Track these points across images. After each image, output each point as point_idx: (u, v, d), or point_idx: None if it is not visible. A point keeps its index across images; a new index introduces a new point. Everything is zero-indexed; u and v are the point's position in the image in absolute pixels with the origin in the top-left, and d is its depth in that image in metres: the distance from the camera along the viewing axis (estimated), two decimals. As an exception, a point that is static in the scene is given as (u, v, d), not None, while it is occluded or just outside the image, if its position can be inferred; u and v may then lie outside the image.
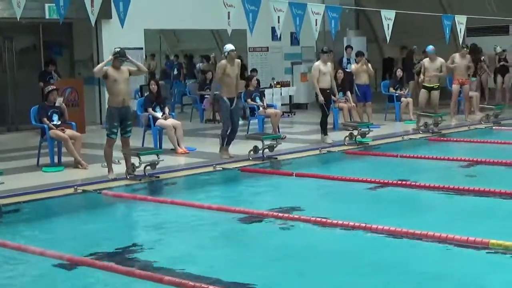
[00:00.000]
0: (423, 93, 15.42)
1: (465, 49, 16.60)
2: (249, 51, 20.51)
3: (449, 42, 16.56)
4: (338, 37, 17.86)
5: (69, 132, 11.98)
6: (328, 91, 13.64)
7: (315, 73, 13.45)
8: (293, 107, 20.27)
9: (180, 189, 10.45)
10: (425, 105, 15.42)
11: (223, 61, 12.16)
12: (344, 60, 18.75)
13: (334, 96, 14.77)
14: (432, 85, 15.34)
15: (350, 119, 15.80)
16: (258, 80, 16.96)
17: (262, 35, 19.15)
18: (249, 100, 15.63)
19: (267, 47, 20.89)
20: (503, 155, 11.90)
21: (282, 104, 19.09)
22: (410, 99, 17.53)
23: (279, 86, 19.20)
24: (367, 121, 15.09)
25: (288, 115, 19.41)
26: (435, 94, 15.32)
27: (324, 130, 13.66)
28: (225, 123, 12.25)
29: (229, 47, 12.19)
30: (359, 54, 16.77)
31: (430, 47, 15.32)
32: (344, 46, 19.77)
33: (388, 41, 15.05)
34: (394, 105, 17.86)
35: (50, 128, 11.90)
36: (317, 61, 14.12)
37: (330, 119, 14.51)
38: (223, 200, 9.37)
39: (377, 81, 22.59)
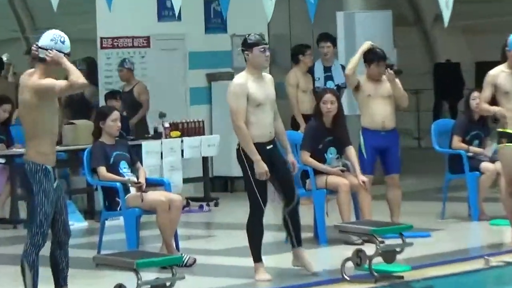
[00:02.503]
0: (509, 154, 13.74)
1: None
2: (101, 47, 17.77)
3: None
4: (324, 14, 16.03)
5: None
6: (270, 146, 12.04)
7: (238, 105, 11.76)
8: (216, 185, 18.37)
9: None
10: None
11: (29, 77, 10.49)
12: (318, 70, 16.76)
13: (288, 153, 12.65)
14: None
15: (357, 215, 14.38)
16: (124, 119, 15.61)
17: (136, 9, 17.33)
18: (102, 170, 13.44)
19: (147, 38, 18.05)
20: None
21: (185, 180, 16.94)
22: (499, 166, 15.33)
23: (178, 134, 16.92)
24: (396, 221, 14.05)
25: (203, 207, 17.10)
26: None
27: (255, 251, 12.25)
28: (39, 228, 10.25)
29: (50, 37, 10.16)
30: (375, 58, 14.29)
31: None
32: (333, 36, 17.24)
33: (446, 24, 13.82)
34: (464, 178, 15.62)
35: None
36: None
37: (306, 217, 13.67)
38: None
39: (420, 120, 22.68)
